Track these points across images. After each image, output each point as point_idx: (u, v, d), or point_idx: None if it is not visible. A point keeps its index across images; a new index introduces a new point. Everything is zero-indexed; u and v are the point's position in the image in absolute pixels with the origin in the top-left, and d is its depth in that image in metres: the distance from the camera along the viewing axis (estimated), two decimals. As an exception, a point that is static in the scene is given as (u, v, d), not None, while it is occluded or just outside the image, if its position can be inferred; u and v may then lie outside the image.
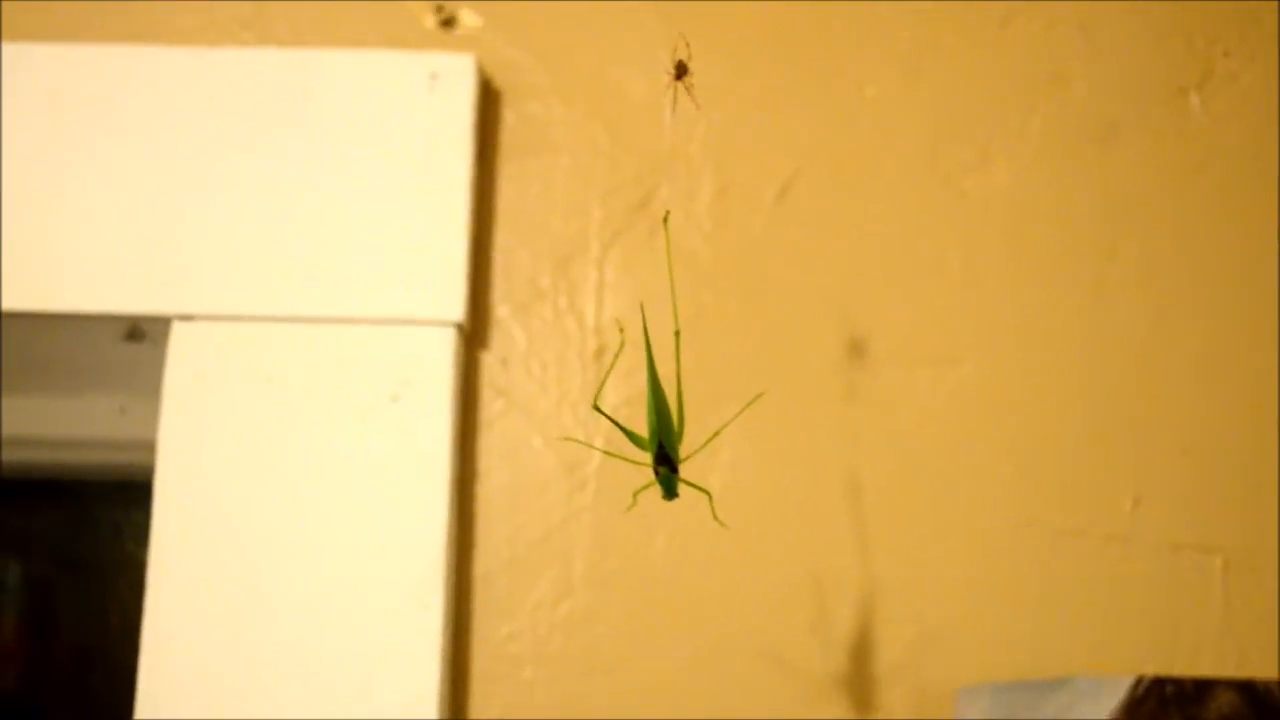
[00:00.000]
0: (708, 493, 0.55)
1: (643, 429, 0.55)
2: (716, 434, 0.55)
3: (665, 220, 0.55)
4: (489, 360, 0.71)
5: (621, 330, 0.54)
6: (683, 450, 0.55)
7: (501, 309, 0.72)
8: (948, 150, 0.74)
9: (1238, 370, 0.72)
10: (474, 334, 0.71)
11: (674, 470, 0.54)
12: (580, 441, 0.70)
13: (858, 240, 0.73)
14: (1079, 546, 0.70)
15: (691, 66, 0.54)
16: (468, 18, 0.75)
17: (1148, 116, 0.75)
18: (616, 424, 0.56)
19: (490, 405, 0.71)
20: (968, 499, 0.70)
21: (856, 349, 0.71)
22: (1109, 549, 0.70)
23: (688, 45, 0.53)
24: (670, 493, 0.54)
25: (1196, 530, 0.70)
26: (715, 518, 0.55)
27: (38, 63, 0.72)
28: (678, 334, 0.54)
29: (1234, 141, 0.74)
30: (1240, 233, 0.73)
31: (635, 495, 0.56)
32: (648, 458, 0.54)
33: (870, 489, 0.70)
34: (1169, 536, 0.70)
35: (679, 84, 0.54)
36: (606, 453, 0.58)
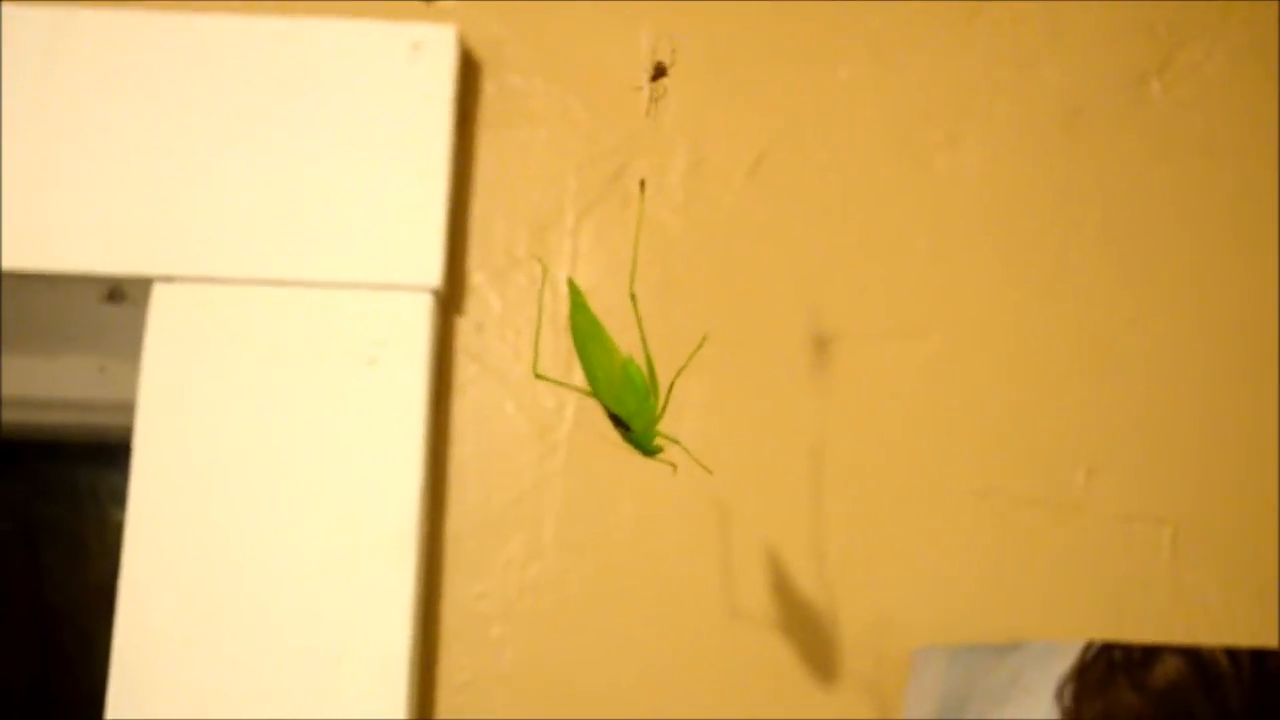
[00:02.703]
0: (678, 441, 0.56)
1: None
2: (671, 386, 0.56)
3: (642, 186, 0.56)
4: (464, 326, 0.73)
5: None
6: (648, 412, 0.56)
7: (477, 276, 0.73)
8: (917, 130, 0.76)
9: (1191, 347, 0.74)
10: (450, 300, 0.73)
11: (628, 429, 0.55)
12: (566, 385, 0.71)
13: (827, 216, 0.75)
14: (1034, 515, 0.72)
15: (671, 69, 0.55)
16: (449, -10, 0.76)
17: (1110, 102, 0.76)
18: (564, 385, 0.57)
19: (464, 370, 0.72)
20: (928, 469, 0.72)
21: (824, 322, 0.73)
22: (1063, 518, 0.72)
23: (673, 51, 0.54)
24: (642, 450, 0.56)
25: (1147, 501, 0.72)
26: (700, 465, 0.57)
27: (19, 24, 0.72)
28: (634, 297, 0.55)
29: (1193, 127, 0.76)
30: (1197, 213, 0.75)
31: (663, 461, 0.57)
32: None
33: (834, 459, 0.72)
34: (1120, 507, 0.72)
35: (653, 84, 0.55)
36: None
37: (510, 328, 0.73)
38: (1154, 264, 0.75)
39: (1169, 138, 0.76)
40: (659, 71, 0.55)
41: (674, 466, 0.56)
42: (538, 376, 0.60)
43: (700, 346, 0.57)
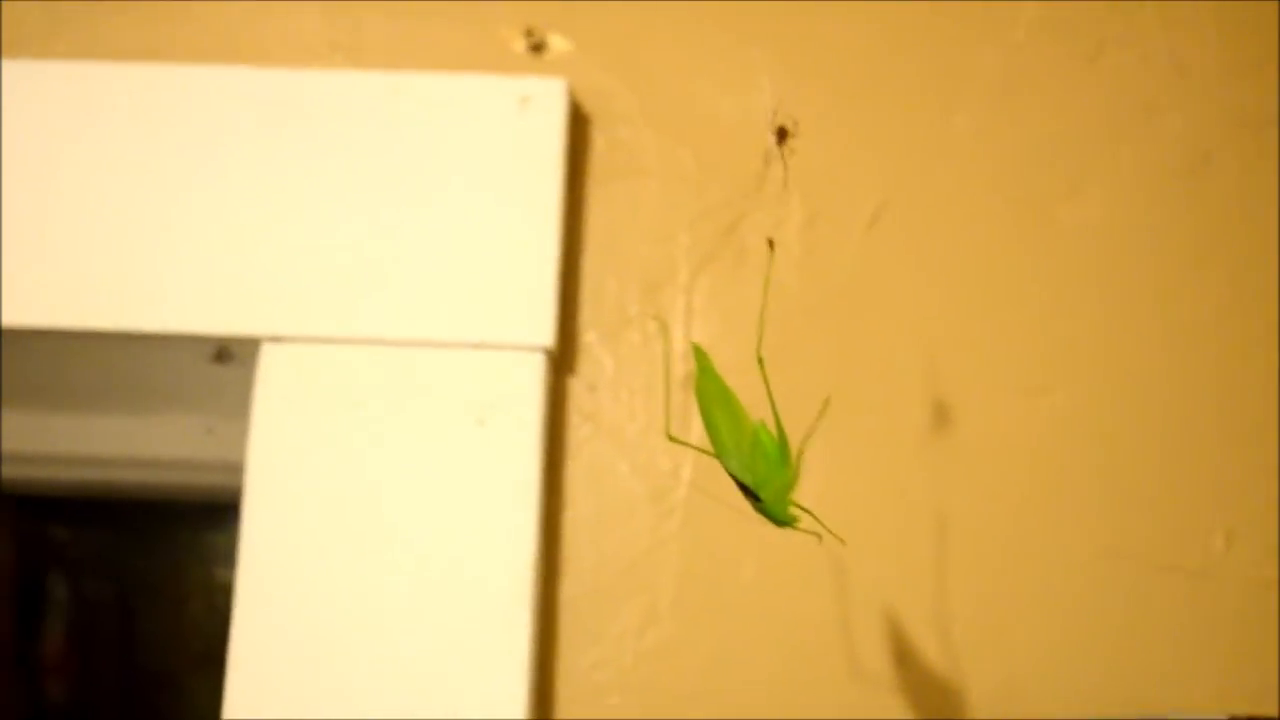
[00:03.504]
0: (810, 511, 0.54)
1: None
2: (800, 453, 0.54)
3: (770, 245, 0.54)
4: (577, 386, 0.71)
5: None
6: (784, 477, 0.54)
7: (589, 334, 0.72)
8: (1038, 179, 0.73)
9: (1333, 405, 0.71)
10: (562, 359, 0.71)
11: (758, 499, 0.53)
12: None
13: (948, 269, 0.73)
14: (1169, 582, 0.69)
15: (796, 131, 0.53)
16: (557, 42, 0.75)
17: (1240, 147, 0.74)
18: (697, 449, 0.55)
19: (578, 431, 0.71)
20: (1057, 532, 0.70)
21: (945, 378, 0.71)
22: (1200, 584, 0.69)
23: (795, 123, 0.53)
24: (775, 520, 0.53)
25: (1288, 567, 0.69)
26: (834, 535, 0.54)
27: (129, 82, 0.72)
28: (761, 361, 0.53)
29: (1328, 173, 0.74)
30: (1334, 265, 0.73)
31: (805, 531, 0.54)
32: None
33: (958, 520, 0.70)
34: (1260, 572, 0.69)
35: (779, 148, 0.53)
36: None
37: (624, 387, 0.71)
38: (1291, 317, 0.72)
39: (1303, 184, 0.73)
40: (782, 135, 0.53)
41: (819, 536, 0.54)
42: (671, 439, 0.58)
43: (824, 411, 0.55)
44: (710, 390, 0.54)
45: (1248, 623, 0.69)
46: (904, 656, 0.68)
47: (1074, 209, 0.73)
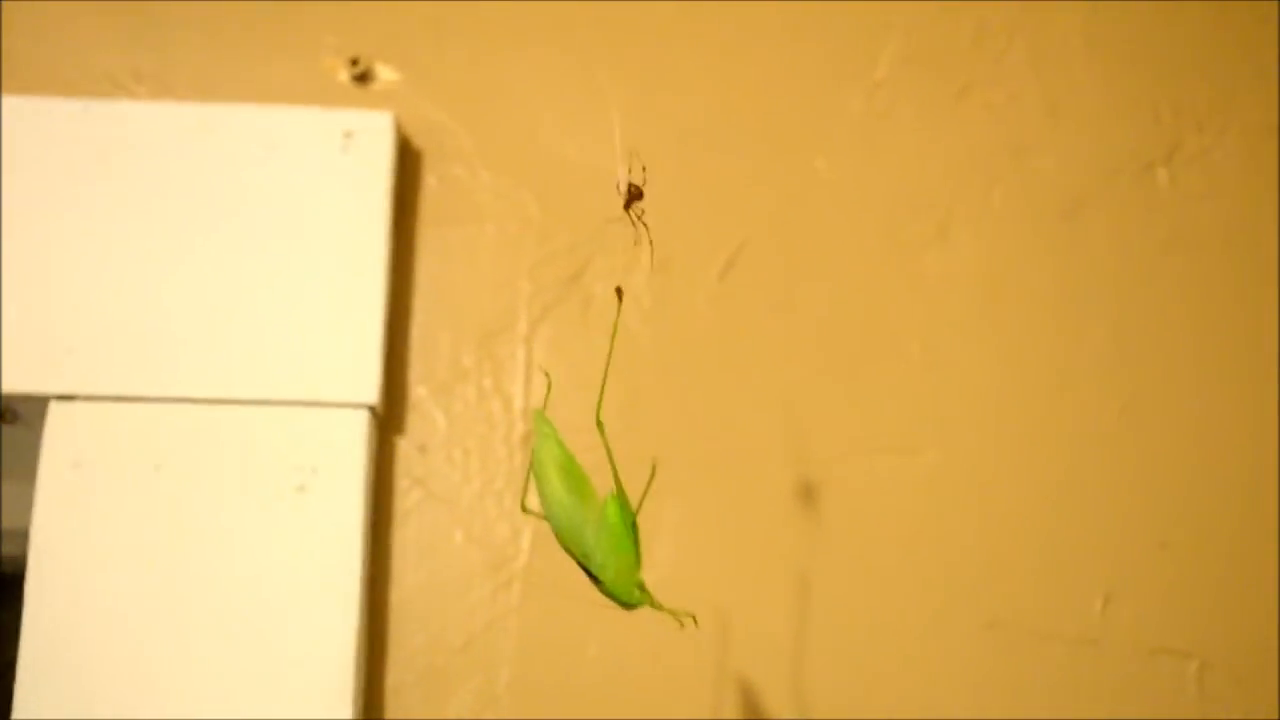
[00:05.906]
0: (654, 599, 0.49)
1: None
2: (634, 527, 0.48)
3: (618, 294, 0.48)
4: (405, 446, 0.65)
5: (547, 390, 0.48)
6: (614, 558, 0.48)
7: (419, 390, 0.66)
8: (905, 224, 0.69)
9: (1213, 461, 0.68)
10: (389, 418, 0.65)
11: (597, 581, 0.48)
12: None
13: (809, 320, 0.68)
14: (1047, 650, 0.65)
15: (645, 188, 0.48)
16: (384, 72, 0.69)
17: (1114, 191, 0.70)
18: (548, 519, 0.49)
19: (406, 496, 0.64)
20: (929, 599, 0.65)
21: (808, 437, 0.66)
22: (1079, 652, 0.65)
23: (644, 169, 0.47)
24: (620, 603, 0.48)
25: (1171, 632, 0.65)
26: (679, 617, 0.49)
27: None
28: (601, 424, 0.48)
29: (1203, 217, 0.70)
30: (1211, 311, 0.69)
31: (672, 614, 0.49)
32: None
33: (823, 590, 0.64)
34: (1142, 639, 0.65)
35: (629, 211, 0.48)
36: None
37: (458, 447, 0.65)
38: (1168, 367, 0.68)
39: (1178, 229, 0.70)
40: (633, 195, 0.48)
41: (685, 620, 0.48)
42: (525, 511, 0.52)
43: (652, 478, 0.49)
44: (549, 460, 0.48)
45: (1129, 692, 0.65)
46: (765, 739, 0.63)
47: (942, 255, 0.69)
